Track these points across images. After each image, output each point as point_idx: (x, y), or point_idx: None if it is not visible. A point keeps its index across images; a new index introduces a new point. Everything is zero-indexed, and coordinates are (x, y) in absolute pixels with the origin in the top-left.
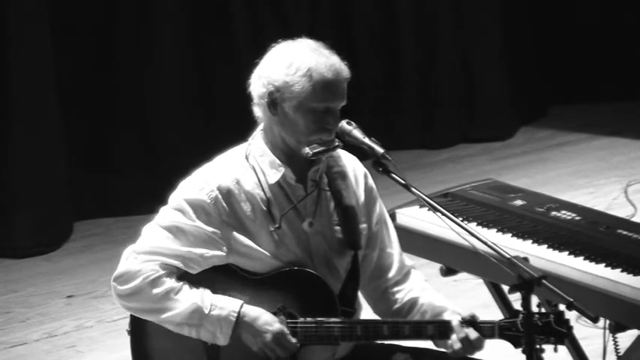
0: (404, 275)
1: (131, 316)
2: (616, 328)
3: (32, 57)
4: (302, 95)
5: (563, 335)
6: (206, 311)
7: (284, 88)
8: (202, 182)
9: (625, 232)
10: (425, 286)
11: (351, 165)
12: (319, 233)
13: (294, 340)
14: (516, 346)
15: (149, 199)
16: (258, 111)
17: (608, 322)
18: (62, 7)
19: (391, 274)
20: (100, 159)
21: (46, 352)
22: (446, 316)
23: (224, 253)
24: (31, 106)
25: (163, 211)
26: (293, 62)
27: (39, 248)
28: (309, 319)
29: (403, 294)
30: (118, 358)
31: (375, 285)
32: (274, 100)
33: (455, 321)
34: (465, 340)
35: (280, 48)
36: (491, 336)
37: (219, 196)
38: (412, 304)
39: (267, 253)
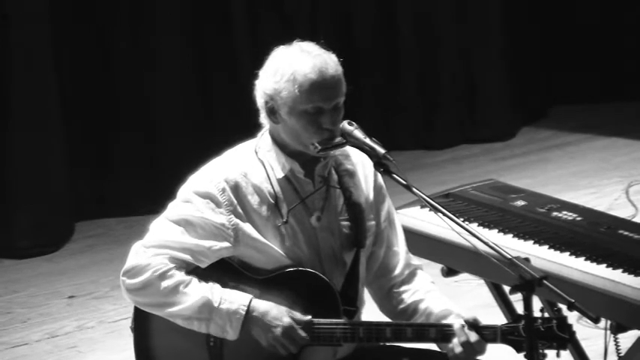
0: (409, 275)
1: (134, 313)
2: (617, 328)
3: (33, 57)
4: (290, 100)
5: (565, 341)
6: (215, 305)
7: (275, 95)
8: (211, 175)
9: (626, 233)
10: (431, 288)
11: (361, 163)
12: (327, 229)
13: (304, 334)
14: (518, 350)
15: (150, 199)
16: (263, 120)
17: (609, 322)
18: (63, 8)
19: (396, 272)
20: (101, 159)
21: (47, 352)
22: (450, 320)
23: (232, 246)
24: (31, 106)
25: (172, 205)
26: (279, 68)
27: (40, 249)
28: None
29: (408, 295)
30: (119, 359)
31: (380, 283)
32: (271, 108)
33: (457, 324)
34: (467, 344)
35: (273, 55)
36: (494, 340)
37: (227, 188)
38: (417, 305)
39: (273, 246)
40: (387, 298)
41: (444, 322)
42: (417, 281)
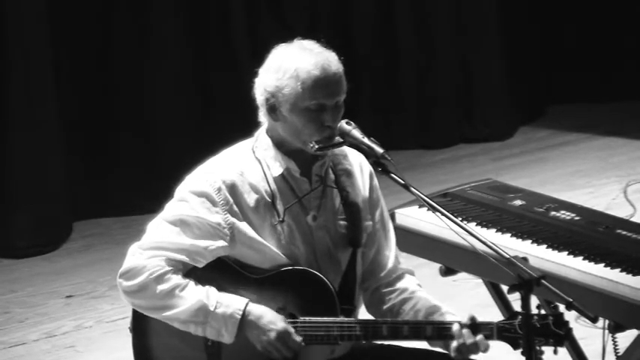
0: (397, 278)
1: (133, 314)
2: (615, 328)
3: (31, 56)
4: (293, 96)
5: (561, 337)
6: (211, 308)
7: (277, 92)
8: (207, 174)
9: (624, 232)
10: (417, 289)
11: (359, 163)
12: (323, 228)
13: (298, 340)
14: (515, 347)
15: (148, 199)
16: (262, 117)
17: (607, 322)
18: (62, 7)
19: (384, 274)
20: (99, 159)
21: (45, 352)
22: (438, 316)
23: (228, 245)
24: (30, 105)
25: (168, 205)
26: (281, 65)
27: (38, 248)
28: (308, 318)
29: (395, 295)
30: (117, 359)
31: (367, 283)
32: (272, 105)
33: (455, 325)
34: (464, 345)
35: (274, 53)
36: (490, 337)
37: (223, 187)
38: (402, 305)
39: (269, 245)
40: (373, 298)
41: (437, 319)
42: (404, 283)
